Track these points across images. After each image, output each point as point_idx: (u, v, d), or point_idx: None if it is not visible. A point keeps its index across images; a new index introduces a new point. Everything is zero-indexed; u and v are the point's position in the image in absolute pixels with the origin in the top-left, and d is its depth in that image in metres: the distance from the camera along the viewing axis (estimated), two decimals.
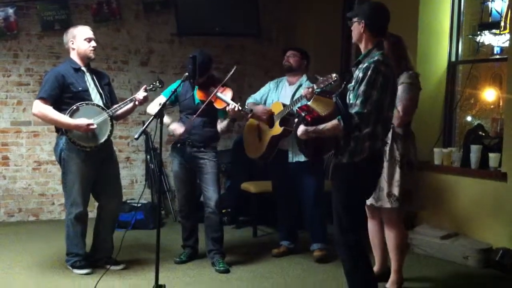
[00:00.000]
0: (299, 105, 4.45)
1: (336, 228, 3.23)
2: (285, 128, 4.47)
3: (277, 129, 4.53)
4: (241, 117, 4.69)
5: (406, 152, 3.78)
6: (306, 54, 4.79)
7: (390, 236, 3.86)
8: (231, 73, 4.27)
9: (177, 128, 4.42)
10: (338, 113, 3.07)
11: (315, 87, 4.20)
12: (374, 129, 3.07)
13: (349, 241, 3.18)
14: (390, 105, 3.16)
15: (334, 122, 3.05)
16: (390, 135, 3.69)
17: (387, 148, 3.73)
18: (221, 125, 4.48)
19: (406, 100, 3.73)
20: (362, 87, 3.02)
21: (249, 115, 4.20)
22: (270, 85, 4.89)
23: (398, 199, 3.74)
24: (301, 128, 3.19)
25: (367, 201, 3.64)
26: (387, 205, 3.76)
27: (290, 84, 4.74)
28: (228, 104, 4.27)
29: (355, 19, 3.22)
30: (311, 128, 3.14)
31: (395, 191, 3.74)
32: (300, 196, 4.74)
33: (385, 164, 3.69)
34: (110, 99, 4.36)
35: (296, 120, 3.30)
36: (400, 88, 3.67)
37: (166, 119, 4.28)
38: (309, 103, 3.32)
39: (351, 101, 3.07)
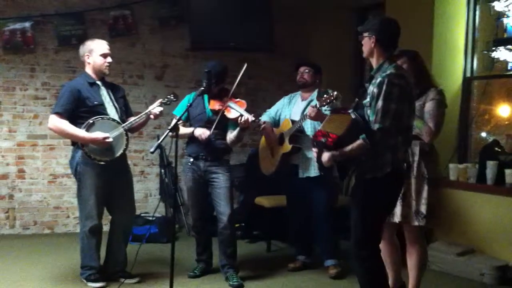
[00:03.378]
0: (305, 122, 4.48)
1: (353, 243, 3.19)
2: (294, 146, 4.53)
3: (287, 147, 4.56)
4: (253, 128, 4.71)
5: (432, 169, 3.73)
6: (319, 68, 4.80)
7: (413, 254, 3.75)
8: (239, 76, 4.37)
9: (204, 131, 4.36)
10: (356, 128, 3.04)
11: (318, 105, 4.21)
12: (395, 141, 3.06)
13: (367, 255, 3.14)
14: (409, 115, 3.14)
15: (359, 142, 3.02)
16: (417, 151, 3.65)
17: (415, 165, 3.65)
18: (231, 135, 4.43)
19: (438, 116, 3.68)
20: (379, 102, 3.01)
21: (262, 126, 4.24)
22: (285, 100, 4.91)
23: (426, 217, 3.65)
24: (327, 155, 3.11)
25: (392, 218, 3.61)
26: (415, 223, 3.66)
27: (303, 99, 4.76)
28: (242, 115, 4.27)
29: (365, 34, 3.22)
30: (337, 153, 3.09)
31: (423, 209, 3.65)
32: (311, 211, 4.72)
33: (413, 181, 3.63)
34: (125, 113, 4.38)
35: (315, 149, 3.21)
36: (430, 104, 3.65)
37: (184, 130, 4.33)
38: (320, 127, 3.25)
39: (370, 118, 3.05)
